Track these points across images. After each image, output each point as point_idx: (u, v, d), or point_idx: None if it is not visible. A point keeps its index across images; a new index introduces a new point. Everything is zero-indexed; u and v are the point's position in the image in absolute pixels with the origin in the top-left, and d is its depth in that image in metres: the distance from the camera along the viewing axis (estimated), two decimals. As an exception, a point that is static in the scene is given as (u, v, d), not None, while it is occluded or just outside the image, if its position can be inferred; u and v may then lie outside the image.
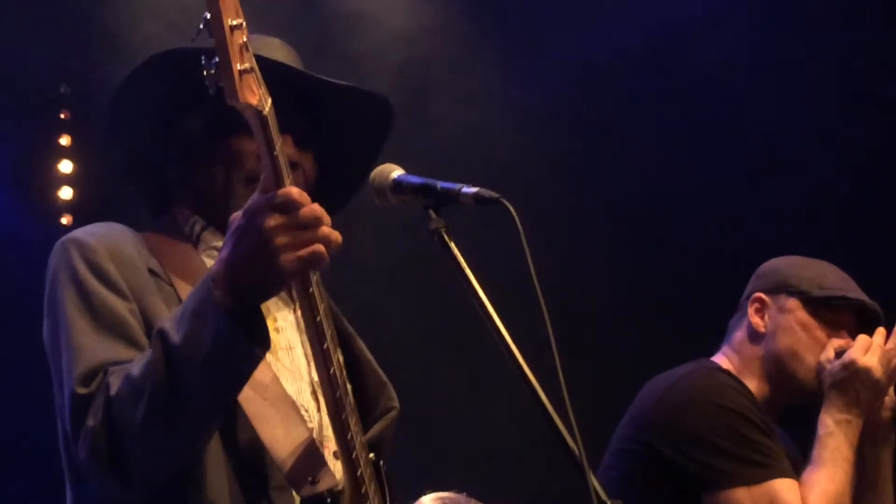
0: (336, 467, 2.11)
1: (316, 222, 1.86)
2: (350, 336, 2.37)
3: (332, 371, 2.03)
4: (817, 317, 3.11)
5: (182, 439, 1.94)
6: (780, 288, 3.16)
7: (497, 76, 5.77)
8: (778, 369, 3.11)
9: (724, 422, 2.94)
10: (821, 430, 2.98)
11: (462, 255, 2.07)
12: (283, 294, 2.26)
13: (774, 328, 3.14)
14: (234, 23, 1.82)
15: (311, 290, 1.98)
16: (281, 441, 2.05)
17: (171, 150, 2.30)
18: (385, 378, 2.37)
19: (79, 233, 2.16)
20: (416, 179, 2.13)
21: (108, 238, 2.15)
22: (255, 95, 1.85)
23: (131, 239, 2.19)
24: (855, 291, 3.14)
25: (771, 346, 3.13)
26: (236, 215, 1.90)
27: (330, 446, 2.15)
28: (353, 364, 2.33)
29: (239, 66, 1.82)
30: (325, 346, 2.02)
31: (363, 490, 2.08)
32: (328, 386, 2.05)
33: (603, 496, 1.96)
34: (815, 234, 5.23)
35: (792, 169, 5.66)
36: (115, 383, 1.94)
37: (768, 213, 5.73)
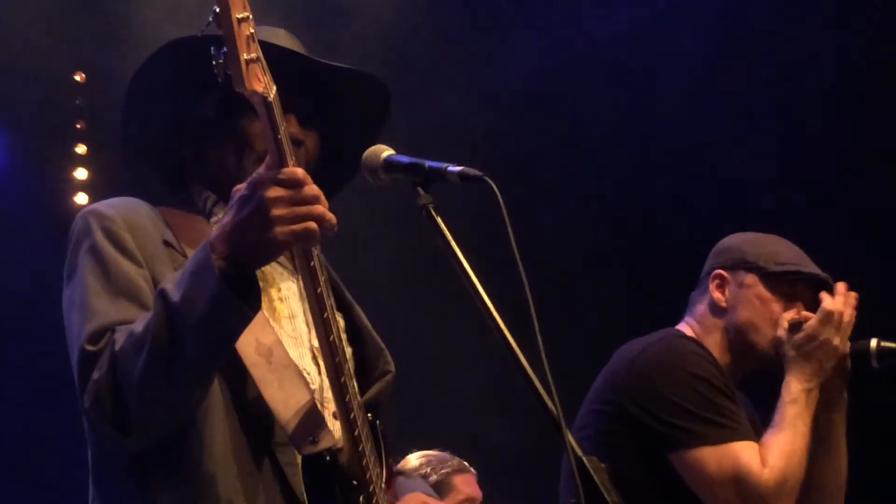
0: (335, 427, 2.19)
1: (314, 200, 1.95)
2: (350, 304, 2.45)
3: (331, 338, 2.13)
4: (775, 291, 3.22)
5: (177, 391, 2.01)
6: (739, 264, 3.27)
7: (473, 63, 5.87)
8: (739, 340, 3.23)
9: (690, 386, 3.05)
10: (785, 397, 3.09)
11: (447, 229, 2.14)
12: (287, 266, 2.34)
13: (735, 302, 3.25)
14: (241, 16, 1.90)
15: (311, 263, 2.08)
16: (284, 403, 2.12)
17: (186, 133, 2.37)
18: (382, 344, 2.45)
19: (99, 205, 2.26)
20: (405, 159, 2.19)
21: (126, 209, 2.24)
22: (261, 83, 1.93)
23: (147, 212, 2.27)
24: (808, 265, 3.25)
25: (732, 319, 3.24)
26: (240, 186, 1.98)
27: (330, 407, 2.22)
28: (353, 331, 2.42)
29: (246, 56, 1.90)
30: (325, 316, 2.12)
31: (360, 448, 2.17)
32: (328, 352, 2.14)
33: (578, 451, 2.07)
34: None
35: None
36: (120, 339, 2.03)
37: (732, 188, 5.89)
